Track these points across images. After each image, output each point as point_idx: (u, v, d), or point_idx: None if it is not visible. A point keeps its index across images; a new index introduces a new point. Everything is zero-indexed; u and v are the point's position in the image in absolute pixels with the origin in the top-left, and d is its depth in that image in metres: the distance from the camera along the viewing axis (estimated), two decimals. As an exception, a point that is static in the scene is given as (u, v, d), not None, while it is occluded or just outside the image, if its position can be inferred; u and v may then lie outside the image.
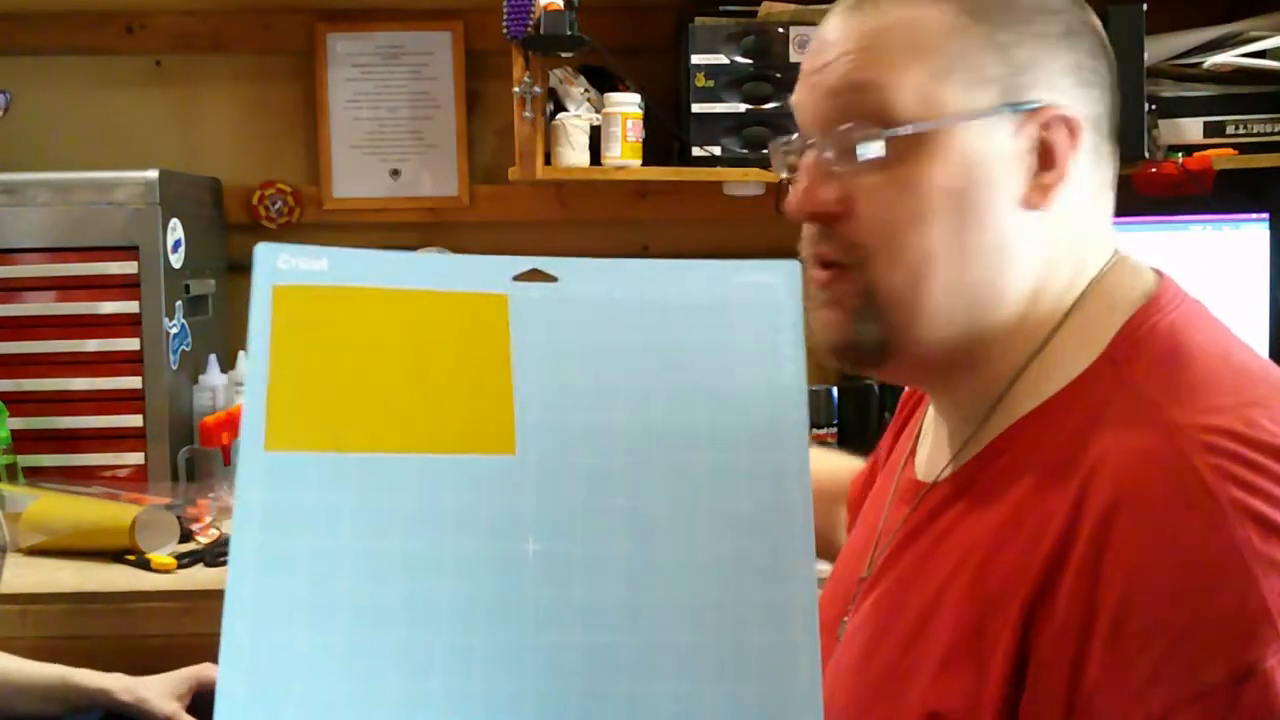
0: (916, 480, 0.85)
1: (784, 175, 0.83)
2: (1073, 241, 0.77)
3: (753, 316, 0.68)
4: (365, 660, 0.60)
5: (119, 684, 1.39)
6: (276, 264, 0.65)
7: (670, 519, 0.65)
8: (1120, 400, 0.71)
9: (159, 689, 1.39)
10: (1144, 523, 0.65)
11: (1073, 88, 0.76)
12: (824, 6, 0.81)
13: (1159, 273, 0.80)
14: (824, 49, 0.78)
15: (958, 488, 0.78)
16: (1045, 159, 0.75)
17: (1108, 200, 0.80)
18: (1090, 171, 0.77)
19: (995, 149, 0.74)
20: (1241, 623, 0.61)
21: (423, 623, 0.61)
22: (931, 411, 0.88)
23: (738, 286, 0.68)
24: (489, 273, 0.67)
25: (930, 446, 0.87)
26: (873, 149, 0.74)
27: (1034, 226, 0.75)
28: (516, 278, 0.67)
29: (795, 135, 0.81)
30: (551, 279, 0.67)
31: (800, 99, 0.80)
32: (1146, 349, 0.73)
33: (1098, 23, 0.79)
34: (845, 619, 0.84)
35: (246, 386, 0.63)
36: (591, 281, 0.68)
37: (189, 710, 1.40)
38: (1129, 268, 0.79)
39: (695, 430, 0.66)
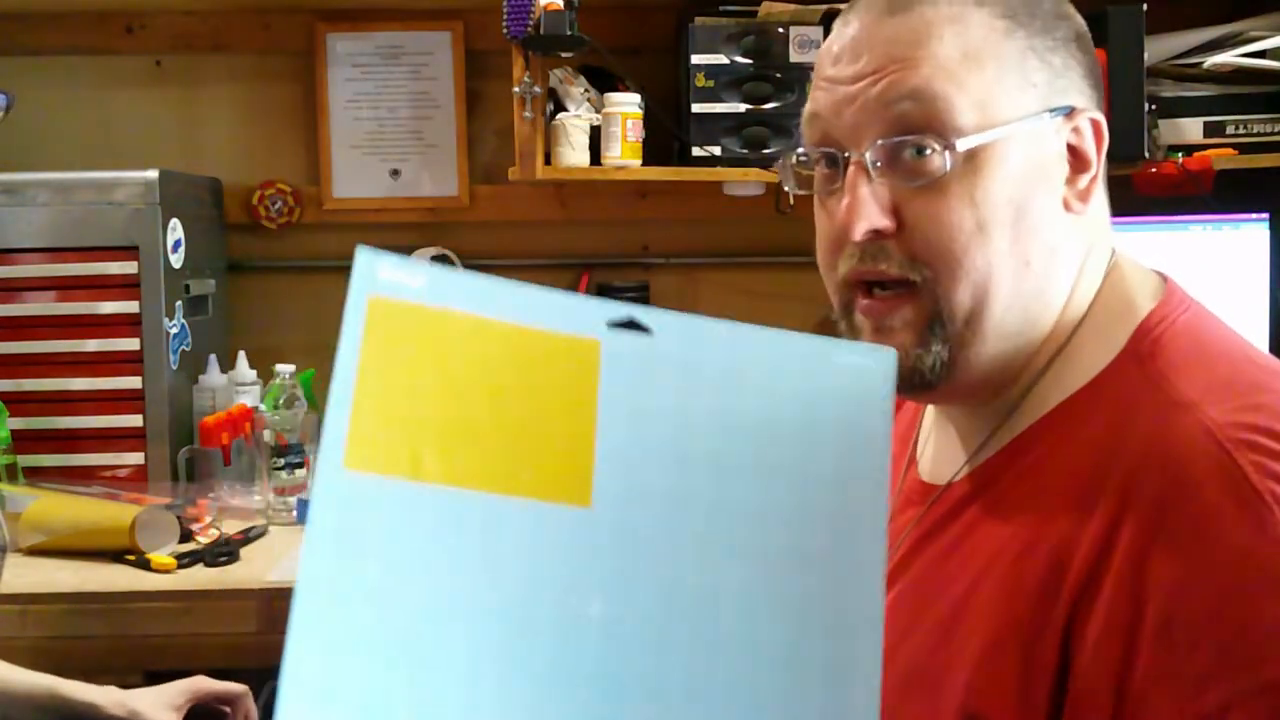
0: (924, 482, 0.84)
1: (796, 189, 0.79)
2: (1092, 242, 0.77)
3: (845, 400, 0.66)
4: (422, 705, 0.58)
5: (109, 698, 1.30)
6: (378, 274, 0.62)
7: (739, 599, 0.63)
8: (1150, 396, 0.71)
9: (154, 701, 1.31)
10: (1192, 520, 0.65)
11: (1089, 89, 0.76)
12: (823, 7, 0.80)
13: (1161, 273, 0.80)
14: (858, 54, 0.73)
15: (977, 487, 0.78)
16: (1079, 162, 0.75)
17: (1107, 200, 0.80)
18: (1102, 173, 0.77)
19: (1042, 154, 0.74)
20: None
21: (482, 672, 0.59)
22: (932, 413, 0.88)
23: (835, 369, 0.66)
24: (585, 315, 0.65)
25: (935, 448, 0.85)
26: (940, 162, 0.71)
27: (1072, 230, 0.75)
28: (611, 324, 0.65)
29: (805, 148, 0.77)
30: (646, 330, 0.66)
31: (831, 108, 0.74)
32: (1168, 346, 0.73)
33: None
34: None
35: (331, 398, 0.61)
36: (687, 341, 0.66)
37: None
38: (1132, 267, 0.80)
39: (774, 509, 0.65)
